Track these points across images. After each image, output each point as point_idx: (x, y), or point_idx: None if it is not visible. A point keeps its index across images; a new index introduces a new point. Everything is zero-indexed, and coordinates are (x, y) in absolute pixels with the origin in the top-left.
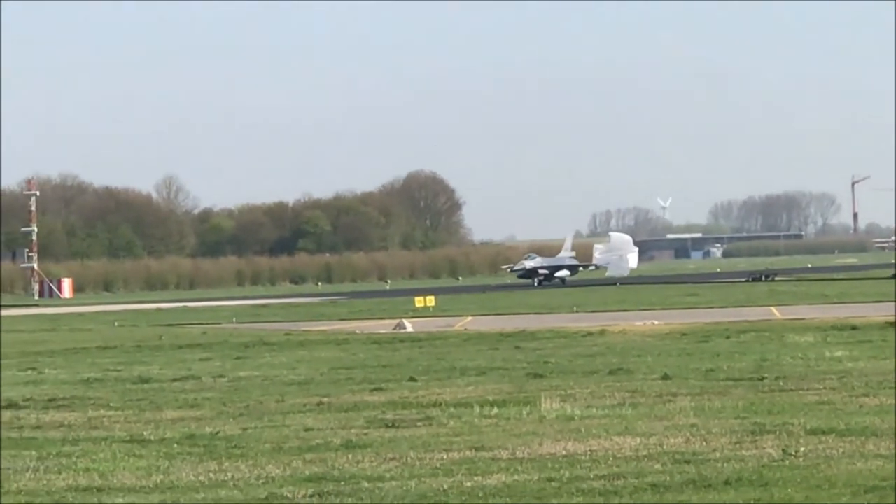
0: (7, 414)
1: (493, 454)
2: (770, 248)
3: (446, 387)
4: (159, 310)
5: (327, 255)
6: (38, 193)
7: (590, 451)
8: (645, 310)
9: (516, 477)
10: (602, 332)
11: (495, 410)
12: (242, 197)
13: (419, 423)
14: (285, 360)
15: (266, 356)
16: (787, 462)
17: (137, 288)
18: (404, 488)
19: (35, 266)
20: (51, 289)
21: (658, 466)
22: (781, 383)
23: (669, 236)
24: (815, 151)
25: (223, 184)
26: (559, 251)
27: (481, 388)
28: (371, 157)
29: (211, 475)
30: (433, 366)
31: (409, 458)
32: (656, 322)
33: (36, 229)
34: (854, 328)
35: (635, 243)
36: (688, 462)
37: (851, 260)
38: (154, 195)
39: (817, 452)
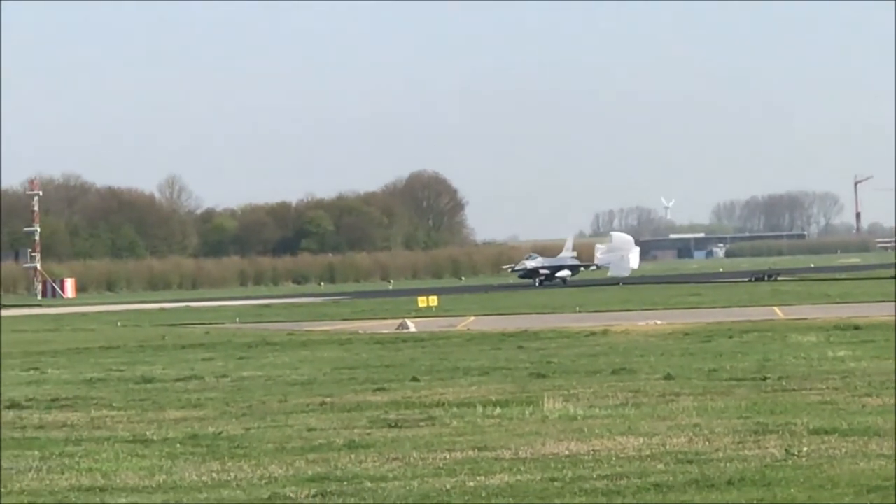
0: (10, 414)
1: (496, 454)
2: (773, 248)
3: (449, 387)
4: (162, 310)
5: (330, 255)
6: (40, 193)
7: (593, 450)
8: (648, 310)
9: (519, 477)
10: (605, 332)
11: (498, 410)
12: (245, 197)
13: (422, 423)
14: (288, 360)
15: (269, 356)
16: (789, 462)
17: (140, 288)
18: (407, 488)
19: (38, 266)
20: (54, 289)
21: (661, 466)
22: (784, 383)
23: (672, 236)
24: (817, 151)
25: (226, 184)
26: (561, 251)
27: (484, 388)
28: (374, 158)
29: (214, 475)
30: (436, 366)
31: (411, 458)
32: (659, 322)
33: (39, 229)
34: (857, 328)
35: (638, 243)
36: (691, 462)
37: (854, 260)
38: (157, 195)
39: (820, 452)
